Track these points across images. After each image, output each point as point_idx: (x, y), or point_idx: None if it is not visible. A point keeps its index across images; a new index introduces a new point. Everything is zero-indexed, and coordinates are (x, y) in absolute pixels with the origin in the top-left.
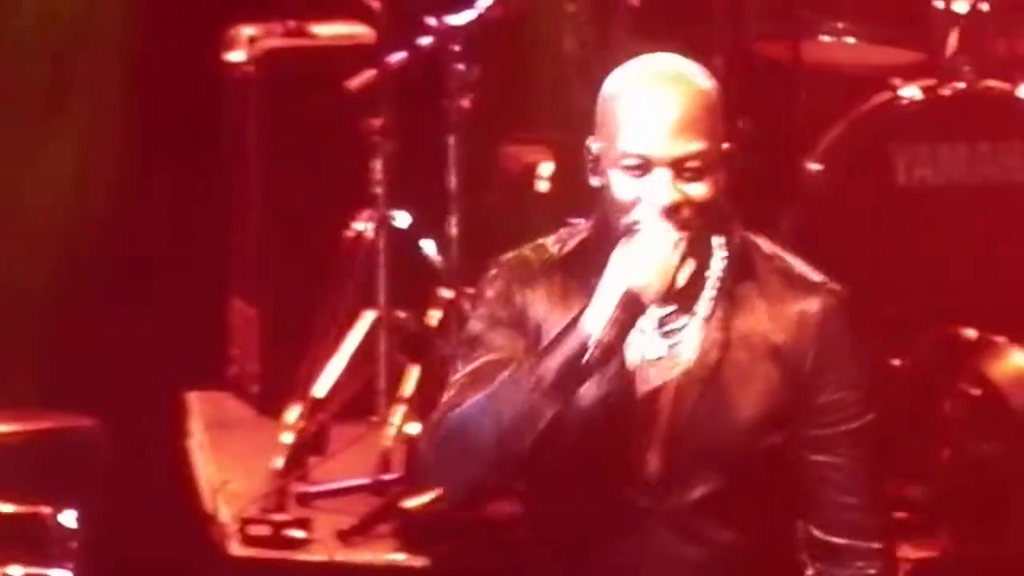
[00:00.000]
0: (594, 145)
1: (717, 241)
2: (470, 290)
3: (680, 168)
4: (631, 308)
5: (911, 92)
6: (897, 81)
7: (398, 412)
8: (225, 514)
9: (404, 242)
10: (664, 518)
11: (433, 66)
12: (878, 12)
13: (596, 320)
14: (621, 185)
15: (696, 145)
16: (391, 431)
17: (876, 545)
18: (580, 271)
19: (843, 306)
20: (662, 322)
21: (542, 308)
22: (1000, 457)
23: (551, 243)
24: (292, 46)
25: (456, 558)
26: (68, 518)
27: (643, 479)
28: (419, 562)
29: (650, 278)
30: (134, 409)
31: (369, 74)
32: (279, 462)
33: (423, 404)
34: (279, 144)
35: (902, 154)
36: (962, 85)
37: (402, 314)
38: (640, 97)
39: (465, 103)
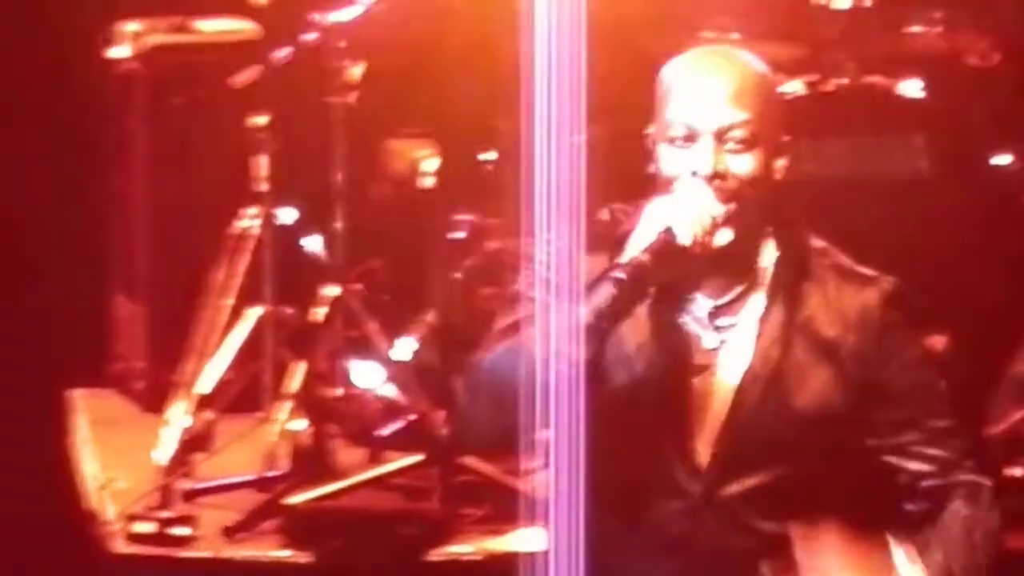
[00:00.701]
0: (650, 129)
1: (771, 234)
2: (356, 286)
3: (724, 138)
4: (663, 249)
5: (794, 87)
6: (780, 77)
7: (283, 408)
8: (110, 511)
9: (289, 238)
10: (713, 505)
11: (318, 62)
12: (761, 8)
13: (629, 256)
14: (668, 157)
15: (740, 115)
16: (276, 427)
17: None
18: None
19: (900, 295)
20: (716, 313)
21: None
22: None
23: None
24: (176, 42)
25: (342, 554)
26: None
27: (694, 466)
28: (304, 558)
29: (683, 221)
30: (16, 408)
31: (254, 70)
32: (164, 459)
33: (308, 400)
34: (163, 141)
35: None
36: (845, 80)
37: (288, 310)
38: (689, 73)
39: (350, 99)
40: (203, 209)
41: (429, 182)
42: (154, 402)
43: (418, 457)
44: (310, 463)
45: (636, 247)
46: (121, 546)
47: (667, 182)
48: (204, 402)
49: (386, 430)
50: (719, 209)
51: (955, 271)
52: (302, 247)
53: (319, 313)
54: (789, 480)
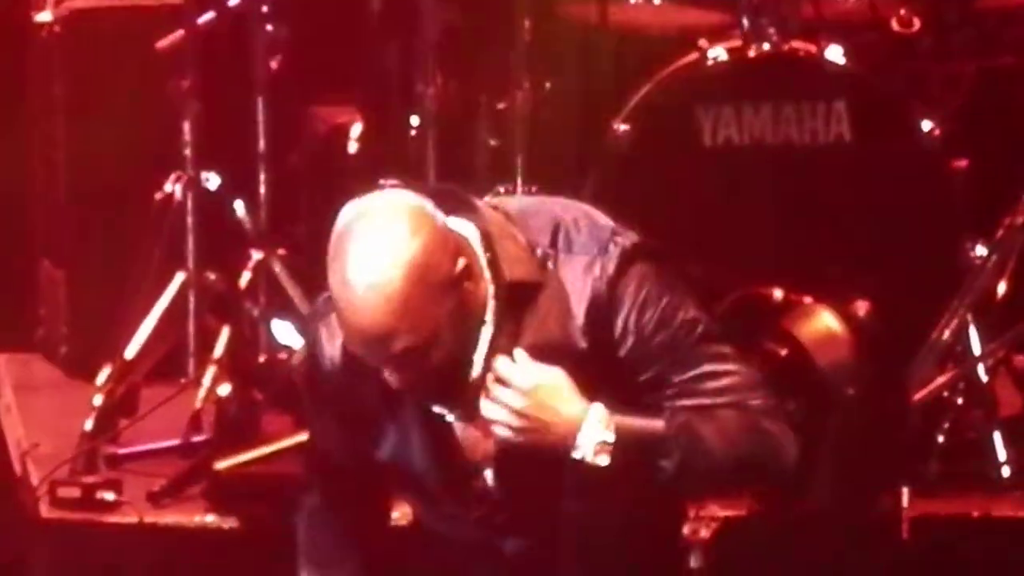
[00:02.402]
0: None
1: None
2: (280, 251)
3: (396, 360)
4: None
5: (717, 53)
6: (703, 42)
7: (208, 373)
8: (34, 477)
9: (213, 203)
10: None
11: (241, 27)
12: None
13: None
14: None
15: (401, 344)
16: (201, 393)
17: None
18: None
19: (628, 262)
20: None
21: None
22: (805, 417)
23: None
24: (99, 6)
25: (266, 519)
26: None
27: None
28: (229, 523)
29: None
30: None
31: (177, 34)
32: (88, 424)
33: (233, 365)
34: (86, 105)
35: (708, 115)
36: (767, 47)
37: (212, 275)
38: (342, 295)
39: (273, 64)
40: (126, 174)
41: (353, 147)
42: (78, 367)
43: None
44: (234, 428)
45: None
46: (46, 511)
47: None
48: (128, 367)
49: None
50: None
51: (877, 237)
52: (225, 212)
53: (243, 278)
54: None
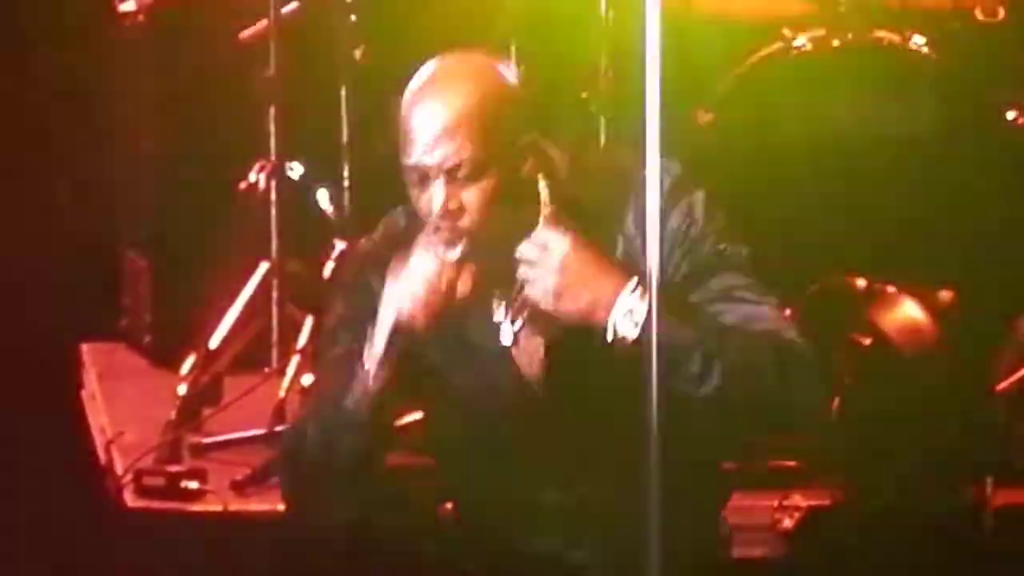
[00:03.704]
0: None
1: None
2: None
3: (451, 175)
4: (400, 341)
5: (801, 42)
6: (787, 31)
7: (292, 363)
8: (119, 466)
9: (297, 193)
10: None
11: (325, 17)
12: None
13: (372, 357)
14: (414, 199)
15: (461, 153)
16: (285, 382)
17: None
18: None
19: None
20: (509, 310)
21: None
22: (890, 407)
23: (400, 220)
24: None
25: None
26: None
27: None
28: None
29: (415, 311)
30: (25, 361)
31: (261, 24)
32: (173, 413)
33: (317, 355)
34: (171, 95)
35: (792, 105)
36: (851, 36)
37: (295, 265)
38: (411, 109)
39: (357, 54)
40: (211, 163)
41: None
42: (162, 356)
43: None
44: None
45: (376, 349)
46: (131, 500)
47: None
48: (212, 356)
49: None
50: (454, 254)
51: (964, 228)
52: (310, 201)
53: (327, 268)
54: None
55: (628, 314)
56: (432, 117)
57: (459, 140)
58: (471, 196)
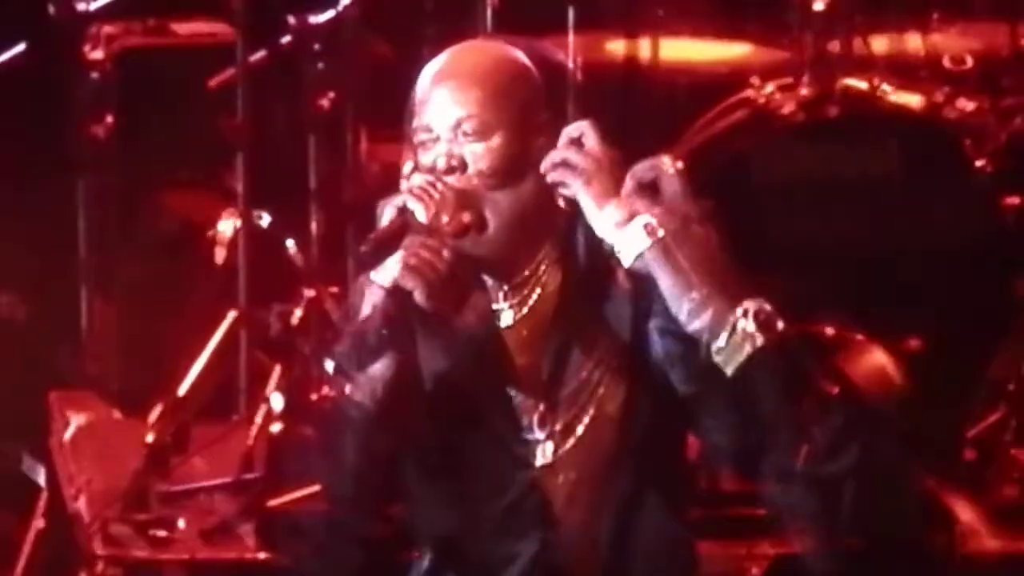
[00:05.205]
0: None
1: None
2: (332, 289)
3: (457, 130)
4: (392, 305)
5: (769, 91)
6: (755, 80)
7: (260, 411)
8: (87, 514)
9: (265, 241)
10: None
11: (293, 65)
12: (737, 11)
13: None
14: (420, 164)
15: (469, 108)
16: (253, 430)
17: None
18: None
19: None
20: (510, 293)
21: None
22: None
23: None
24: (151, 44)
25: (318, 557)
26: None
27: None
28: (281, 561)
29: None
30: None
31: (229, 72)
32: (141, 461)
33: (285, 403)
34: (137, 143)
35: (760, 152)
36: (820, 84)
37: (264, 313)
38: (425, 80)
39: (324, 102)
40: (178, 211)
41: (404, 184)
42: (130, 404)
43: None
44: (286, 466)
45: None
46: (99, 548)
47: None
48: (180, 404)
49: None
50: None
51: (929, 275)
52: (278, 249)
53: (295, 316)
54: None
55: (643, 228)
56: (444, 80)
57: (469, 98)
58: (476, 151)
